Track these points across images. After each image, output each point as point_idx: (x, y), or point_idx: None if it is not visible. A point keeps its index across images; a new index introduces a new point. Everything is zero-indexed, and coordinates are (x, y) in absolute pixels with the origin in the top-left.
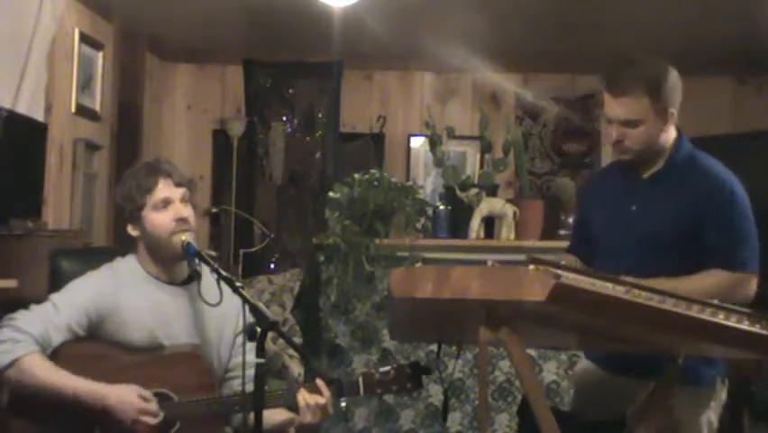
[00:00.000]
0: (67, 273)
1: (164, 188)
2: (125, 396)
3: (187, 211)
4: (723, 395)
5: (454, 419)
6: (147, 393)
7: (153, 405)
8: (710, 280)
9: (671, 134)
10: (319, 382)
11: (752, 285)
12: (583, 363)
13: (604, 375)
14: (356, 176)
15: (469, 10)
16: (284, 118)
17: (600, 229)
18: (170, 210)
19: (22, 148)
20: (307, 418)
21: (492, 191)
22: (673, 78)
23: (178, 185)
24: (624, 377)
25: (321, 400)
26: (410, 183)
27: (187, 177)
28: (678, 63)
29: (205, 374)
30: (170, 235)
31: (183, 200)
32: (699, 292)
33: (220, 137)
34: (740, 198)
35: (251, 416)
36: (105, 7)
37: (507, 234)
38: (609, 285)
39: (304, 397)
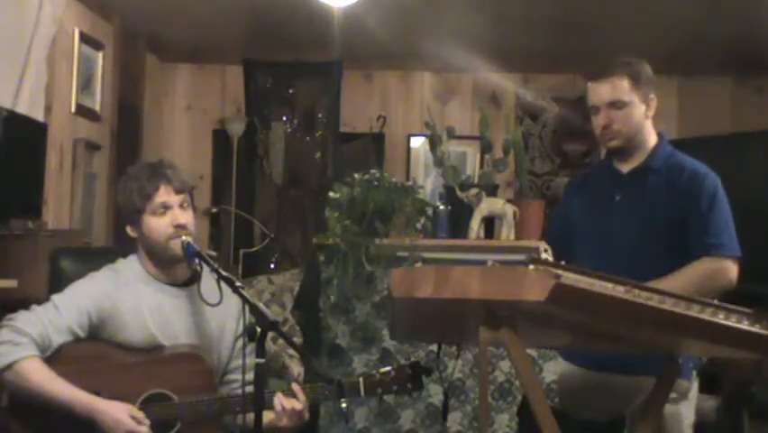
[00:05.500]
0: (67, 273)
1: (164, 194)
2: (117, 415)
3: (185, 217)
4: (696, 386)
5: (454, 419)
6: (139, 414)
7: (144, 428)
8: (693, 270)
9: (652, 133)
10: (295, 386)
11: (732, 270)
12: (562, 366)
13: (584, 374)
14: (356, 176)
15: (469, 10)
16: (284, 118)
17: (580, 219)
18: (169, 216)
19: (22, 148)
20: (283, 421)
21: (492, 191)
22: (649, 68)
23: (178, 192)
24: (602, 374)
25: (297, 406)
26: (410, 183)
27: (189, 183)
28: (678, 63)
29: (205, 375)
30: (167, 241)
31: (182, 206)
32: (685, 284)
33: (220, 137)
34: (721, 193)
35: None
36: (105, 7)
37: (507, 234)
38: (609, 285)
39: (280, 401)
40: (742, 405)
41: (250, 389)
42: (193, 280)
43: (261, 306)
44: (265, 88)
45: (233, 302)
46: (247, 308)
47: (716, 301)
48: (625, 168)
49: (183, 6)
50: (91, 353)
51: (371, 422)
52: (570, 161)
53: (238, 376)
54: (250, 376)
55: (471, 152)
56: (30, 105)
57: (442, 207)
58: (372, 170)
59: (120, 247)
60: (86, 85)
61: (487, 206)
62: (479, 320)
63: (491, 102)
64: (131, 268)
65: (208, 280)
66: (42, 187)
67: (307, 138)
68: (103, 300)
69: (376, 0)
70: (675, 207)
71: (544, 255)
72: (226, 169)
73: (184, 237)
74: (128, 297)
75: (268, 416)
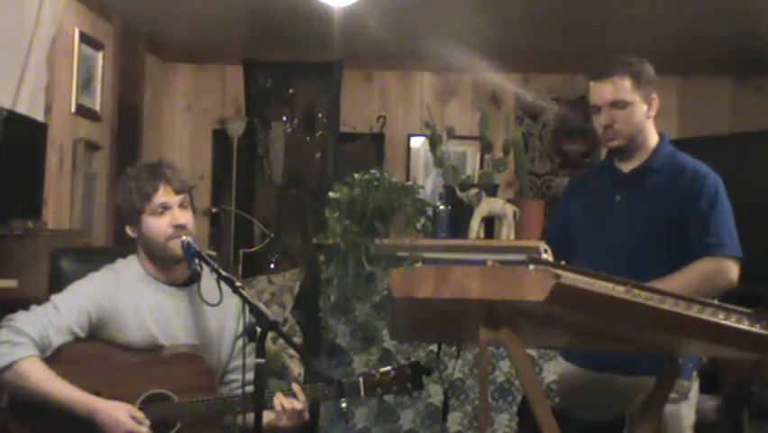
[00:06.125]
0: (67, 273)
1: (163, 195)
2: (117, 415)
3: (184, 217)
4: (697, 386)
5: (454, 419)
6: (139, 414)
7: (144, 428)
8: (693, 270)
9: (654, 133)
10: (295, 386)
11: (733, 270)
12: (562, 366)
13: (584, 374)
14: (356, 176)
15: (469, 10)
16: (284, 118)
17: (580, 219)
18: (168, 216)
19: (22, 148)
20: (283, 421)
21: (492, 191)
22: (650, 68)
23: (177, 192)
24: (602, 374)
25: (297, 406)
26: (410, 183)
27: (188, 183)
28: (678, 63)
29: (205, 375)
30: (167, 241)
31: (182, 206)
32: (686, 285)
33: (220, 137)
34: (722, 193)
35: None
36: (105, 7)
37: (507, 234)
38: (609, 285)
39: (280, 401)
40: (742, 405)
41: (250, 389)
42: (193, 280)
43: (261, 306)
44: (265, 88)
45: (232, 302)
46: (247, 308)
47: (716, 301)
48: (626, 168)
49: (183, 6)
50: (91, 353)
51: (371, 422)
52: (570, 161)
53: (238, 376)
54: (250, 376)
55: (471, 152)
56: (30, 105)
57: (442, 207)
58: (372, 170)
59: (120, 247)
60: (86, 85)
61: (487, 206)
62: (479, 320)
63: (491, 102)
64: (130, 268)
65: (208, 280)
66: (42, 187)
67: (307, 138)
68: (103, 300)
69: (376, 0)
70: (676, 206)
71: (543, 255)
72: (226, 169)
73: (184, 237)
74: (128, 297)
75: (268, 416)
